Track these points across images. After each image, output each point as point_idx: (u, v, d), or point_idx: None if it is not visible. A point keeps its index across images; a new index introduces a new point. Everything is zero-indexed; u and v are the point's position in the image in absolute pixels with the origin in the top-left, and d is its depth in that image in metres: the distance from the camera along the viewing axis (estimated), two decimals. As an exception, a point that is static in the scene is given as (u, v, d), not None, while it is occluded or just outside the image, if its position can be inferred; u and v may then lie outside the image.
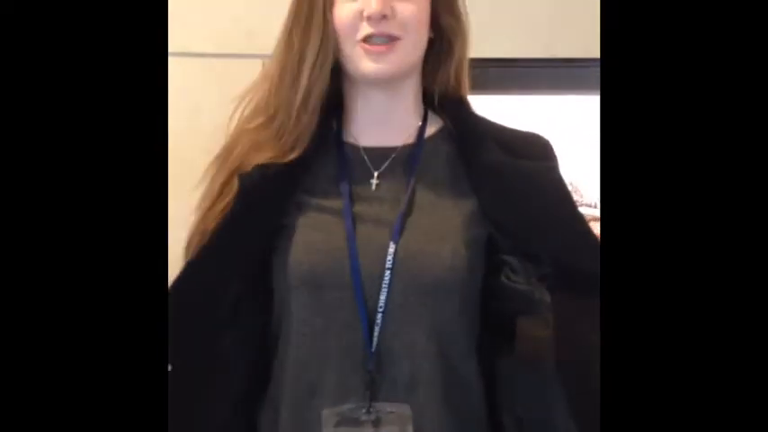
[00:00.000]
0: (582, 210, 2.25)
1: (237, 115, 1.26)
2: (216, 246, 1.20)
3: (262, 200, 1.21)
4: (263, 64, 1.29)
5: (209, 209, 1.22)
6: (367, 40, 1.19)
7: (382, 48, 1.19)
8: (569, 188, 1.26)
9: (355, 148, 1.26)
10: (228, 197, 1.21)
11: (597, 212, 2.24)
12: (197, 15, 2.03)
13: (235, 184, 1.20)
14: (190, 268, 1.21)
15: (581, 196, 2.27)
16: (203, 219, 1.23)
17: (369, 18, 1.18)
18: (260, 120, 1.23)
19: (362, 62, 1.20)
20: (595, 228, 2.23)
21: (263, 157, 1.20)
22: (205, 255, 1.20)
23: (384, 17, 1.18)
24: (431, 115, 1.29)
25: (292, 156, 1.21)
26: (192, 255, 1.22)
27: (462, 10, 1.27)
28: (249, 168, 1.20)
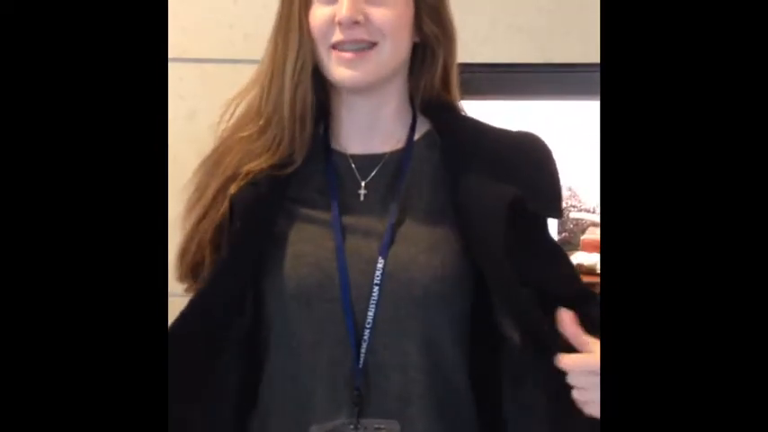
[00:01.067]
0: (581, 215, 2.26)
1: (227, 118, 1.24)
2: (217, 279, 1.18)
3: (254, 219, 1.18)
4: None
5: (203, 217, 1.20)
6: (338, 46, 1.16)
7: (352, 55, 1.16)
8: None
9: (343, 156, 1.24)
10: (223, 206, 1.18)
11: (595, 217, 2.25)
12: (194, 20, 2.03)
13: (229, 191, 1.18)
14: (195, 302, 1.19)
15: (579, 201, 2.27)
16: (197, 228, 1.20)
17: (340, 24, 1.15)
18: (253, 128, 1.21)
19: (336, 69, 1.17)
20: (596, 233, 2.24)
21: (257, 165, 1.19)
22: (209, 290, 1.18)
23: (356, 23, 1.14)
24: (419, 120, 1.27)
25: (292, 167, 1.19)
26: (197, 288, 1.20)
27: (448, 16, 1.24)
28: (243, 176, 1.18)
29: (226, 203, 1.18)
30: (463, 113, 1.28)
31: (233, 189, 1.18)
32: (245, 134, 1.21)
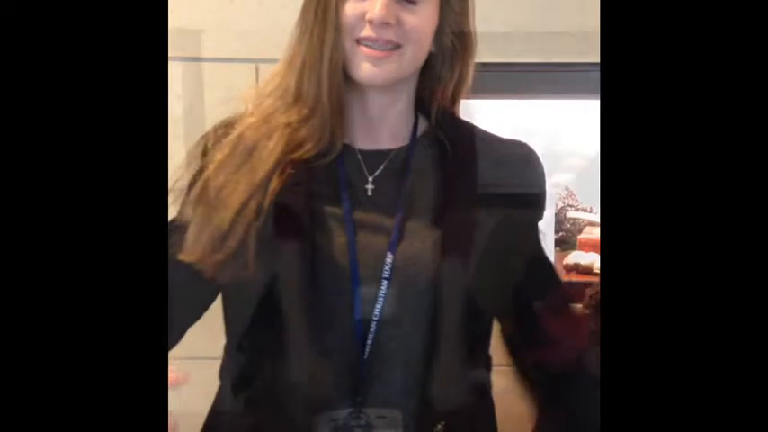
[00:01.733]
0: (578, 214, 2.27)
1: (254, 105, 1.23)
2: (308, 290, 1.18)
3: (303, 223, 1.19)
4: (257, 68, 1.28)
5: (248, 200, 1.16)
6: (364, 41, 1.18)
7: (379, 53, 1.18)
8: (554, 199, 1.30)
9: (352, 150, 1.26)
10: (267, 194, 1.16)
11: (592, 217, 2.25)
12: (192, 20, 2.03)
13: (274, 180, 1.18)
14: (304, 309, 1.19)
15: (576, 201, 2.28)
16: (242, 210, 1.16)
17: (371, 21, 1.17)
18: (295, 116, 1.21)
19: (361, 64, 1.19)
20: (593, 232, 2.24)
21: (302, 154, 1.19)
22: (308, 298, 1.18)
23: (386, 24, 1.16)
24: (420, 118, 1.30)
25: (332, 155, 1.21)
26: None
27: (471, 29, 1.26)
28: (289, 164, 1.18)
29: (269, 197, 1.17)
30: (457, 115, 1.31)
31: (276, 181, 1.17)
32: (284, 121, 1.21)
